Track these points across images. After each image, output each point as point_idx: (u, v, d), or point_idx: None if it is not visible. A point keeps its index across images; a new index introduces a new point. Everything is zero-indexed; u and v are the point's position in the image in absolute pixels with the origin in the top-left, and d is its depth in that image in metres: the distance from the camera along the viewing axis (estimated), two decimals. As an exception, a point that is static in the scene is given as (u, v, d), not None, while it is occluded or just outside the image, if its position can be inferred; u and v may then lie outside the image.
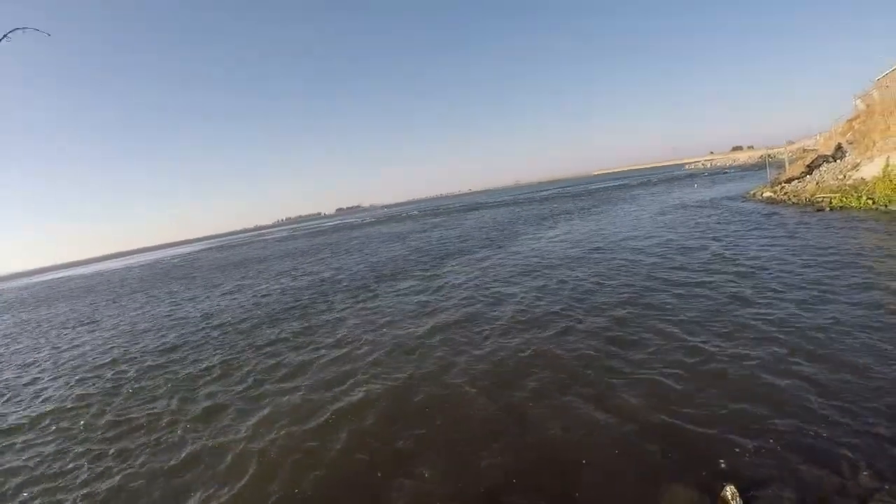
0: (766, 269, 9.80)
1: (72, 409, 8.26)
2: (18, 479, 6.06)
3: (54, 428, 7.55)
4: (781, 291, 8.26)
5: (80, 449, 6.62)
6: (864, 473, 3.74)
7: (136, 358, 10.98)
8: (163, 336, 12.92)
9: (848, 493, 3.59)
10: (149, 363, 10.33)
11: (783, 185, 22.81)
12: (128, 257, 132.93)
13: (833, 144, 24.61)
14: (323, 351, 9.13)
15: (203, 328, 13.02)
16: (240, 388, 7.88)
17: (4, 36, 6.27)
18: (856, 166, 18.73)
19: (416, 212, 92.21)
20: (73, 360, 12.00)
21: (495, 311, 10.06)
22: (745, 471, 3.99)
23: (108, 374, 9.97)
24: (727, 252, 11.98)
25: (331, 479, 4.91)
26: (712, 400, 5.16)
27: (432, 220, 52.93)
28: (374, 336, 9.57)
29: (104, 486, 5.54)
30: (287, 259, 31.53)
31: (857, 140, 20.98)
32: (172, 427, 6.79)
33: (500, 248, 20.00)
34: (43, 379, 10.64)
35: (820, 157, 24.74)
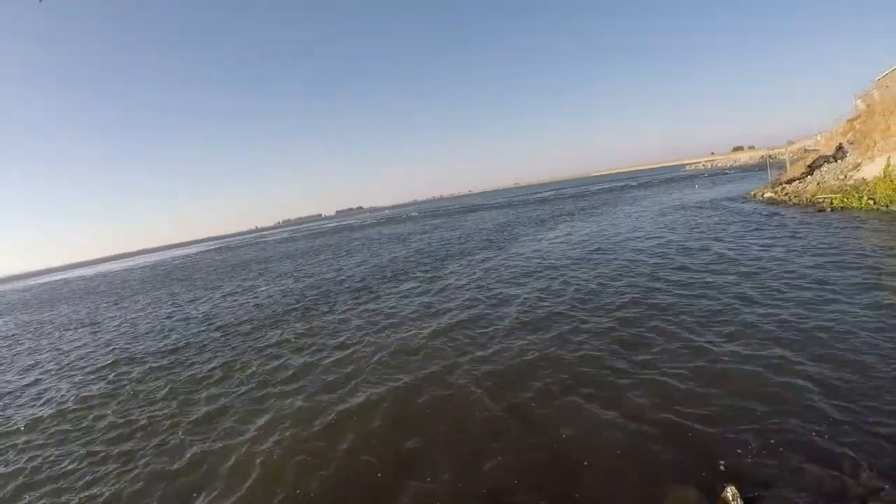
0: (768, 270, 9.81)
1: (74, 410, 8.28)
2: (19, 481, 6.08)
3: (56, 430, 7.57)
4: (784, 292, 8.27)
5: (81, 451, 6.63)
6: (866, 473, 3.75)
7: (138, 360, 11.01)
8: (165, 338, 12.94)
9: (849, 494, 3.60)
10: (151, 365, 10.35)
11: (784, 185, 22.82)
12: (128, 259, 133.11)
13: (834, 145, 24.62)
14: (326, 352, 9.14)
15: (205, 330, 13.05)
16: (243, 389, 7.89)
17: None
18: (857, 166, 18.74)
19: (416, 213, 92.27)
20: (74, 361, 12.03)
21: (498, 312, 10.07)
22: (747, 471, 4.00)
23: (111, 376, 10.00)
24: (729, 253, 11.99)
25: (336, 480, 4.92)
26: (715, 400, 5.18)
27: (432, 221, 52.96)
28: (377, 337, 9.59)
29: (106, 488, 5.56)
30: (288, 260, 31.57)
31: (857, 140, 20.98)
32: (175, 429, 6.80)
33: (501, 249, 20.02)
34: (45, 381, 10.66)
35: (821, 157, 24.74)
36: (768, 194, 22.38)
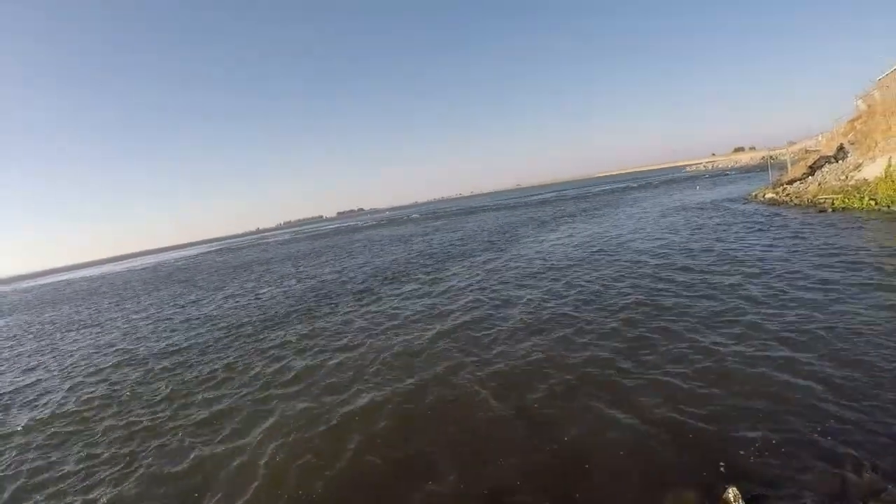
0: (772, 271, 9.81)
1: (75, 412, 8.28)
2: (20, 483, 6.08)
3: (56, 431, 7.56)
4: (787, 292, 8.26)
5: (82, 453, 6.63)
6: (869, 473, 3.74)
7: (140, 361, 11.00)
8: (167, 339, 12.95)
9: (851, 494, 3.59)
10: (153, 366, 10.35)
11: (785, 186, 22.81)
12: (130, 260, 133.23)
13: (835, 145, 24.61)
14: (329, 354, 9.14)
15: (207, 331, 13.05)
16: (245, 391, 7.89)
17: None
18: (858, 167, 18.73)
19: (416, 215, 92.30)
20: (77, 362, 12.02)
21: (502, 313, 10.07)
22: (749, 471, 4.00)
23: (113, 377, 10.00)
24: (731, 253, 11.99)
25: (341, 482, 4.92)
26: (719, 400, 5.17)
27: (434, 223, 52.97)
28: (380, 339, 9.59)
29: (107, 491, 5.55)
30: (290, 262, 31.58)
31: (858, 140, 20.97)
32: (177, 431, 6.79)
33: (503, 250, 20.02)
34: (47, 381, 10.66)
35: (822, 157, 24.73)
36: (769, 195, 22.37)
